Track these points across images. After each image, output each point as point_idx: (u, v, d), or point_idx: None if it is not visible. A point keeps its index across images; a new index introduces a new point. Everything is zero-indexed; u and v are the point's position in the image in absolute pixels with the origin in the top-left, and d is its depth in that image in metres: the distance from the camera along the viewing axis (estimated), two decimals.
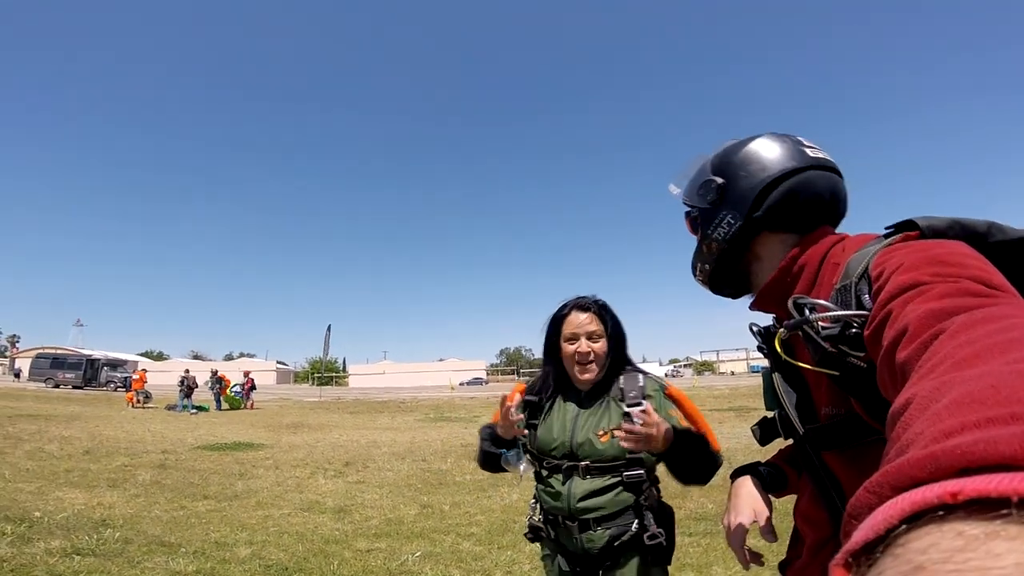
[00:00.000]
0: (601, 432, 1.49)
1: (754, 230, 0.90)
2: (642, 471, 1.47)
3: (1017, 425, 0.23)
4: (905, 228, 0.70)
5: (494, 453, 1.55)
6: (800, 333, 0.72)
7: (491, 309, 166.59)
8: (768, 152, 0.90)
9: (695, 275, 1.03)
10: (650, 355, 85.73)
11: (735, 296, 1.02)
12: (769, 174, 0.88)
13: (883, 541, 0.19)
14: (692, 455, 1.43)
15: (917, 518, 0.19)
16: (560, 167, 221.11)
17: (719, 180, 0.93)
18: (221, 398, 18.80)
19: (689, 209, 1.03)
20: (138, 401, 18.03)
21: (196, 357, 78.60)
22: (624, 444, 1.33)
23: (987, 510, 0.18)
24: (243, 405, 19.30)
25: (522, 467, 1.51)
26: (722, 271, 0.97)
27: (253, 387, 20.39)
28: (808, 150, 0.90)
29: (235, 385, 20.34)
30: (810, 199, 0.88)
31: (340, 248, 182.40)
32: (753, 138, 0.94)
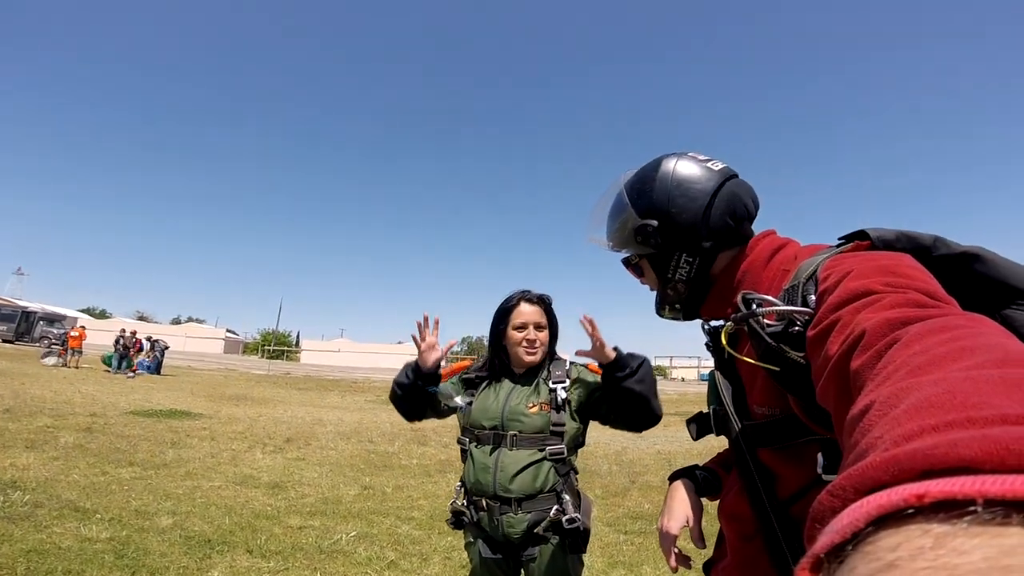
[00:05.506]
0: (531, 405, 1.61)
1: (710, 258, 0.94)
2: (562, 447, 1.58)
3: (974, 429, 0.24)
4: (856, 238, 0.74)
5: (414, 386, 1.62)
6: (746, 327, 0.74)
7: (455, 297, 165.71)
8: (687, 181, 0.92)
9: (663, 316, 1.04)
10: None
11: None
12: (701, 203, 0.91)
13: (850, 543, 0.20)
14: (639, 370, 1.50)
15: (883, 520, 0.20)
16: (530, 157, 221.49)
17: (653, 223, 0.94)
18: (123, 361, 16.55)
19: (627, 256, 1.03)
20: (66, 361, 16.76)
21: (141, 318, 74.41)
22: (587, 332, 1.47)
23: (951, 510, 0.19)
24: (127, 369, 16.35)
25: (459, 400, 1.64)
26: (690, 303, 0.99)
27: (142, 349, 17.94)
28: (711, 164, 0.95)
29: (143, 359, 17.63)
30: (741, 212, 0.93)
31: (304, 219, 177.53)
32: (657, 168, 0.96)
